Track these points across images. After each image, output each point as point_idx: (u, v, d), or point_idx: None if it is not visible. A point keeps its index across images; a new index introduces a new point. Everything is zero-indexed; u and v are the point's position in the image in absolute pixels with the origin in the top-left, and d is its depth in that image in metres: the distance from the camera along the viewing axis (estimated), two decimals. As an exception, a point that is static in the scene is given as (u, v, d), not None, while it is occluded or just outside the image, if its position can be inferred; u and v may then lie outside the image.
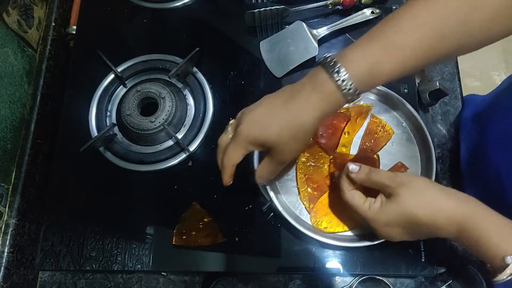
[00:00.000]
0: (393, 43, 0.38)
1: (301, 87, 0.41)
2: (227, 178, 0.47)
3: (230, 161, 0.45)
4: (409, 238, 0.45)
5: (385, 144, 0.58)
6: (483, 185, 0.57)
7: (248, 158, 0.60)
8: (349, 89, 0.38)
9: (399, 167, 0.57)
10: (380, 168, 0.57)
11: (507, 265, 0.38)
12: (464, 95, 0.71)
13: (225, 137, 0.46)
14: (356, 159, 0.57)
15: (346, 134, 0.59)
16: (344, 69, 0.38)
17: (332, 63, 0.38)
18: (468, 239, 0.41)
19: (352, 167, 0.47)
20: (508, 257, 0.38)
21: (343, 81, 0.38)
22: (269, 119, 0.42)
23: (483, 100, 0.65)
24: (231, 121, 0.47)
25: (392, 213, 0.43)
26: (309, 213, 0.56)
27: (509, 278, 0.39)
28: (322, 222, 0.55)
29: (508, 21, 0.38)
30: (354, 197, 0.46)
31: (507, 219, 0.41)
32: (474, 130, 0.62)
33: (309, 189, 0.56)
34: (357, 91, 0.39)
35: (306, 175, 0.57)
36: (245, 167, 0.60)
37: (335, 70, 0.38)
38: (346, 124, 0.59)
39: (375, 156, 0.58)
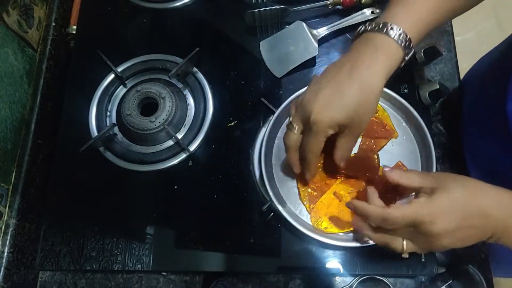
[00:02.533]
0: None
1: (359, 55, 0.42)
2: (313, 172, 0.49)
3: (314, 154, 0.45)
4: (461, 238, 0.40)
5: (385, 144, 0.58)
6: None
7: (248, 158, 0.61)
8: (406, 41, 0.42)
9: (399, 167, 0.56)
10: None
11: None
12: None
13: (293, 135, 0.45)
14: (356, 159, 0.57)
15: None
16: (396, 26, 0.42)
17: (382, 24, 0.42)
18: None
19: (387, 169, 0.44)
20: None
21: (399, 35, 0.42)
22: (343, 97, 0.41)
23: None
24: (290, 118, 0.46)
25: (444, 203, 0.39)
26: (309, 213, 0.56)
27: None
28: (322, 222, 0.55)
29: None
30: (396, 208, 0.41)
31: None
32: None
33: (309, 189, 0.56)
34: (412, 44, 0.43)
35: None
36: (245, 168, 0.61)
37: (389, 29, 0.42)
38: None
39: (375, 156, 0.58)
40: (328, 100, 0.42)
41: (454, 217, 0.39)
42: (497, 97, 0.52)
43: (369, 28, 0.44)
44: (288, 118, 0.47)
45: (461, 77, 0.72)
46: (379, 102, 0.59)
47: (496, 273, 0.61)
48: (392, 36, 0.42)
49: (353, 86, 0.41)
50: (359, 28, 0.46)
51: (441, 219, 0.39)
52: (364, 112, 0.42)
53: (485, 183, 0.41)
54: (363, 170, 0.56)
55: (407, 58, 0.44)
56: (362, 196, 0.55)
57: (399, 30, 0.42)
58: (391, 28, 0.42)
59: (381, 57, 0.42)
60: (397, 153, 0.58)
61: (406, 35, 0.42)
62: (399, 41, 0.42)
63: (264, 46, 0.67)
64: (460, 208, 0.39)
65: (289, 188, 0.57)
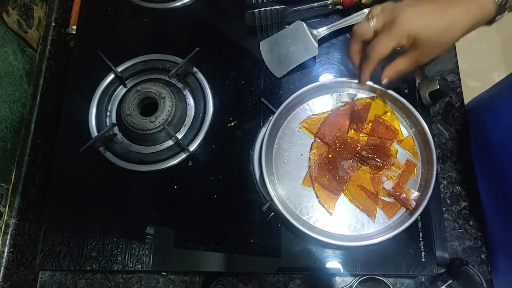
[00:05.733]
0: None
1: None
2: (367, 76, 0.52)
3: (379, 55, 0.48)
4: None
5: (391, 145, 0.58)
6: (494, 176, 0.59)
7: (248, 158, 0.61)
8: (503, 1, 0.44)
9: (410, 164, 0.57)
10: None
11: None
12: (464, 95, 0.71)
13: (367, 27, 0.48)
14: (374, 144, 0.58)
15: (353, 129, 0.59)
16: None
17: None
18: None
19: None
20: None
21: None
22: (431, 18, 0.45)
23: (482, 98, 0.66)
24: (373, 13, 0.49)
25: None
26: (330, 214, 0.56)
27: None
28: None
29: None
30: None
31: None
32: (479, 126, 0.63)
33: (327, 193, 0.56)
34: (507, 5, 0.45)
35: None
36: (245, 168, 0.61)
37: None
38: (351, 121, 0.59)
39: (391, 147, 0.58)
40: (419, 15, 0.45)
41: None
42: None
43: None
44: (368, 12, 0.50)
45: (461, 76, 0.72)
46: (390, 104, 0.60)
47: (500, 285, 0.61)
48: None
49: (443, 18, 0.45)
50: None
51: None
52: (438, 43, 0.46)
53: None
54: (379, 155, 0.56)
55: (497, 19, 0.46)
56: (370, 195, 0.56)
57: None
58: None
59: (476, 9, 0.45)
60: (398, 152, 0.58)
61: None
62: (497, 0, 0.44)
63: (264, 46, 0.67)
64: None
65: (290, 188, 0.57)
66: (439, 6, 0.46)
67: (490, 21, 0.47)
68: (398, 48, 0.49)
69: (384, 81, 0.51)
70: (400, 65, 0.49)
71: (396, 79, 0.52)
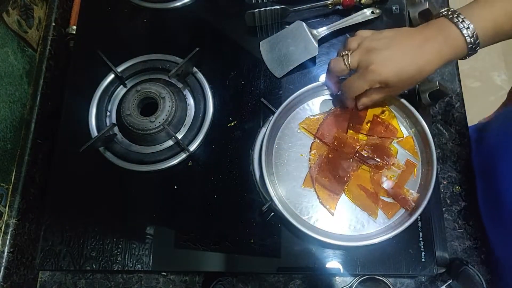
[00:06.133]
0: None
1: (432, 36, 0.47)
2: (350, 104, 0.56)
3: (354, 94, 0.52)
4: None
5: (390, 143, 0.58)
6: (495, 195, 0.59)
7: (248, 158, 0.61)
8: (475, 45, 0.45)
9: (410, 164, 0.57)
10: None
11: None
12: (464, 96, 0.71)
13: (343, 66, 0.51)
14: (376, 144, 0.58)
15: (351, 129, 0.59)
16: (472, 25, 0.45)
17: (461, 19, 0.45)
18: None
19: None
20: None
21: (471, 37, 0.45)
22: (403, 65, 0.47)
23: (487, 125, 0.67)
24: (349, 52, 0.50)
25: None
26: (332, 215, 0.56)
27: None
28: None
29: None
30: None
31: None
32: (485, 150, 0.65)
33: (327, 193, 0.56)
34: (478, 47, 0.46)
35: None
36: (245, 168, 0.61)
37: (465, 27, 0.45)
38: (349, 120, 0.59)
39: (391, 147, 0.58)
40: (391, 60, 0.47)
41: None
42: None
43: (450, 16, 0.47)
44: (343, 48, 0.53)
45: (461, 77, 0.72)
46: (388, 105, 0.60)
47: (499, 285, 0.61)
48: (465, 35, 0.45)
49: (415, 62, 0.47)
50: (442, 10, 0.48)
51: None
52: (410, 83, 0.49)
53: None
54: (379, 155, 0.56)
55: (467, 58, 0.49)
56: (370, 195, 0.56)
57: (473, 32, 0.45)
58: (467, 28, 0.45)
59: (447, 50, 0.46)
60: (398, 153, 0.58)
61: (477, 38, 0.45)
62: (469, 41, 0.45)
63: (264, 46, 0.67)
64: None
65: (290, 188, 0.57)
66: (414, 45, 0.47)
67: (461, 58, 0.49)
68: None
69: (360, 107, 0.55)
70: (374, 97, 0.53)
71: (369, 106, 0.57)
